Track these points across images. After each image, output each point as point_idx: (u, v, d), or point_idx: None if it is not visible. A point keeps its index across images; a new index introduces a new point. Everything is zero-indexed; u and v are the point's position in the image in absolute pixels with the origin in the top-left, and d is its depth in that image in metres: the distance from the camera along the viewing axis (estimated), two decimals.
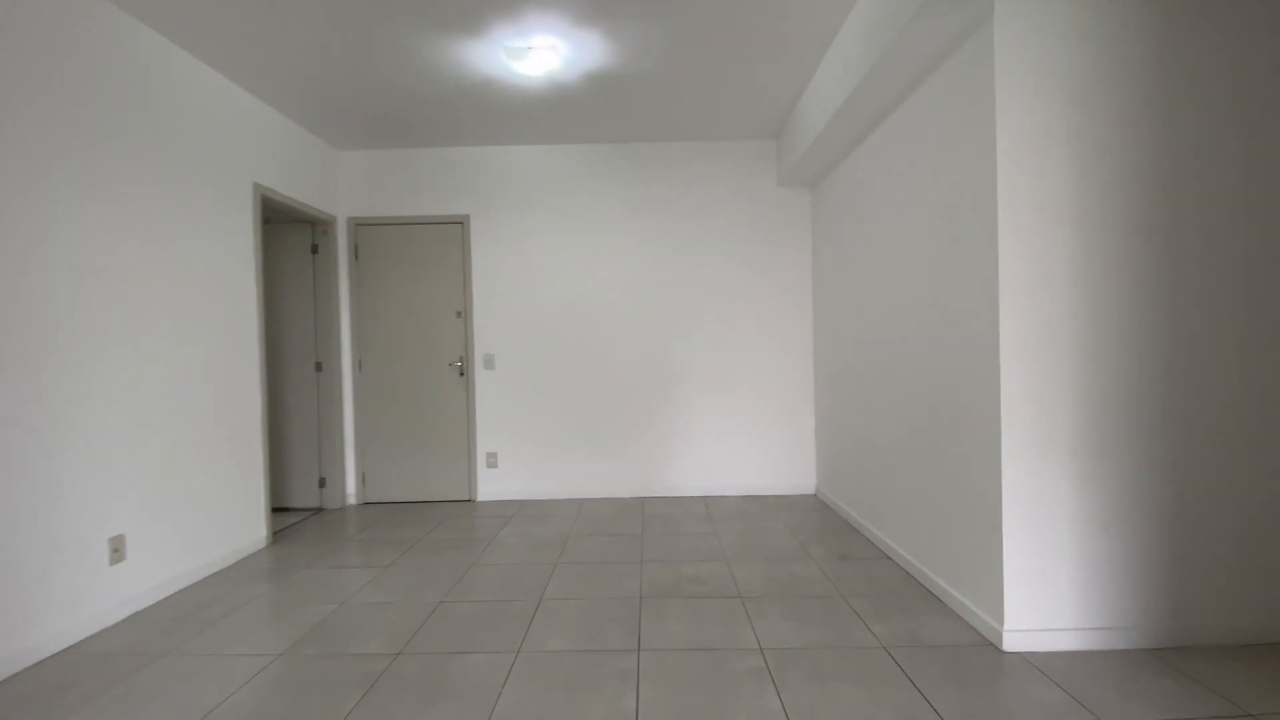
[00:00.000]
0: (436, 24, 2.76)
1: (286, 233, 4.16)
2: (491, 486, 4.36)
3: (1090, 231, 2.06)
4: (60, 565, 2.27)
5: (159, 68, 2.78)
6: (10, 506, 2.10)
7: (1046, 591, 2.08)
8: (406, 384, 4.35)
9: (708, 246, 4.34)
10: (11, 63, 2.13)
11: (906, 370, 2.83)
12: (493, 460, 4.35)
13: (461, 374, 4.35)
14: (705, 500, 4.24)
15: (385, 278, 4.35)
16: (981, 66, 2.15)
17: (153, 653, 2.21)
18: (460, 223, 4.35)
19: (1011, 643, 2.08)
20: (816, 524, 3.63)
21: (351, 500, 4.35)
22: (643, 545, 3.28)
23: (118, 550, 2.51)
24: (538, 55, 2.94)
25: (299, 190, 3.86)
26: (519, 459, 4.35)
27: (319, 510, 4.20)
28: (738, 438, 4.35)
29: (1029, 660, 2.02)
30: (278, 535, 3.64)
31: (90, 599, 2.39)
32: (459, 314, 4.35)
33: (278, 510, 4.18)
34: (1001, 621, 2.10)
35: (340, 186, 4.35)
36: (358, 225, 4.34)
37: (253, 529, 3.35)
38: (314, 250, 4.20)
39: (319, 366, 4.19)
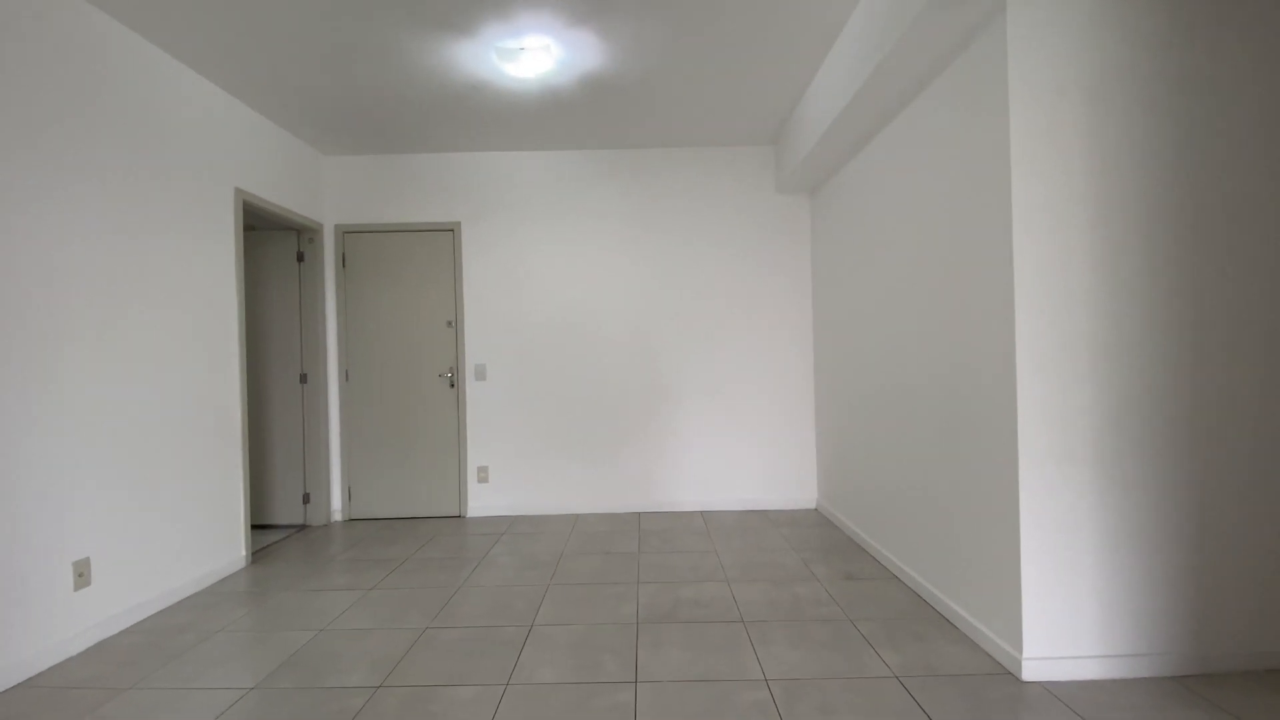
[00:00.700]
0: (425, 23, 2.66)
1: (271, 240, 4.04)
2: (482, 502, 4.22)
3: (1110, 236, 1.96)
4: (18, 591, 2.12)
5: (132, 66, 2.66)
6: None
7: (1067, 617, 1.97)
8: (395, 396, 4.21)
9: (705, 255, 4.24)
10: None
11: (913, 381, 2.72)
12: (484, 475, 4.21)
13: (452, 385, 4.22)
14: (703, 515, 4.11)
15: (373, 286, 4.22)
16: (993, 64, 2.06)
17: (116, 686, 2.06)
18: (451, 230, 4.23)
19: (1031, 672, 1.96)
20: (819, 540, 3.51)
21: (337, 516, 4.20)
22: (639, 564, 3.15)
23: (82, 575, 2.36)
24: (530, 56, 2.85)
25: (284, 196, 3.74)
26: (511, 473, 4.21)
27: (303, 527, 4.05)
28: (736, 450, 4.23)
29: (1050, 691, 1.90)
30: (258, 554, 3.49)
31: (51, 627, 2.24)
32: (449, 324, 4.23)
33: (259, 528, 4.03)
34: (1020, 649, 1.98)
35: (327, 193, 4.23)
36: (345, 233, 4.22)
37: (230, 549, 3.20)
38: (300, 258, 4.07)
39: (304, 378, 4.05)
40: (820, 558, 3.21)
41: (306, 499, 4.07)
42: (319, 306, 4.08)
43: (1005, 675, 2.00)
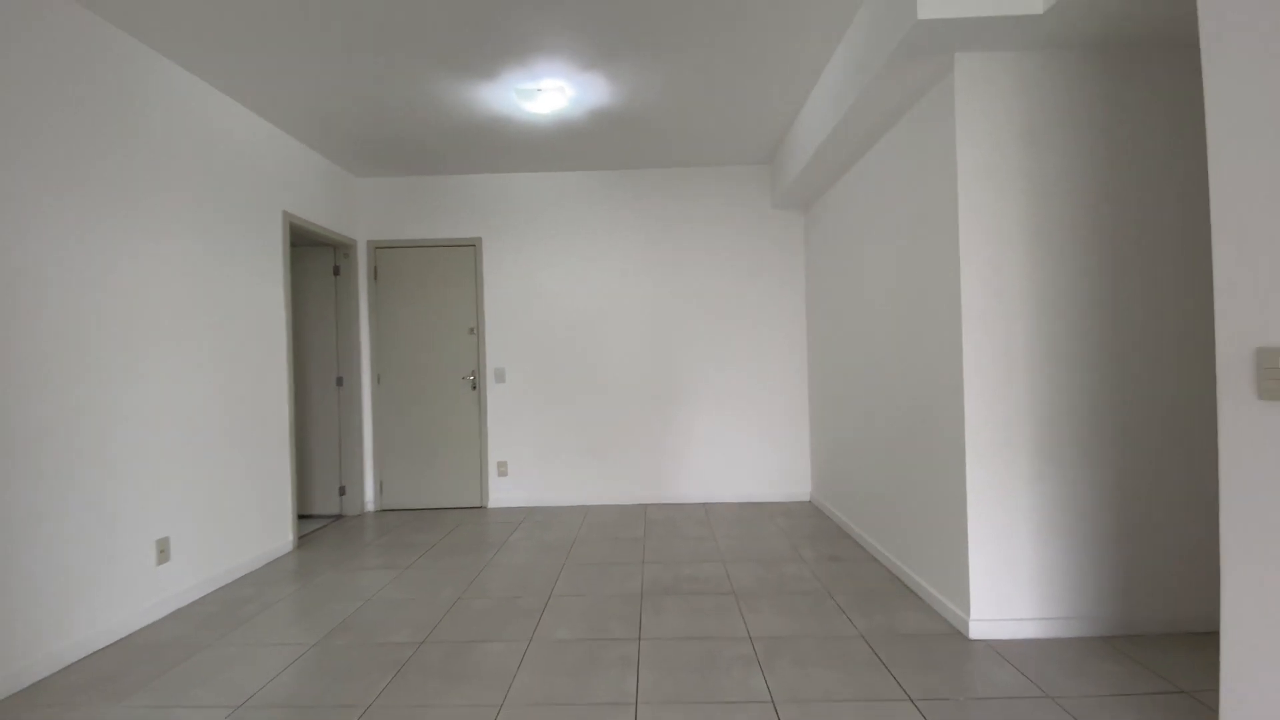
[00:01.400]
0: (455, 70, 3.03)
1: (310, 256, 4.44)
2: (502, 494, 4.59)
3: (1042, 259, 2.29)
4: (112, 564, 2.51)
5: (199, 108, 3.06)
6: (68, 509, 2.35)
7: (1008, 585, 2.30)
8: (422, 397, 4.60)
9: (706, 266, 4.59)
10: (80, 119, 2.41)
11: (887, 385, 3.05)
12: (503, 469, 4.58)
13: (474, 387, 4.60)
14: (705, 507, 4.46)
15: (402, 297, 4.61)
16: (944, 111, 2.40)
17: (198, 644, 2.45)
18: (473, 245, 4.62)
19: (977, 631, 2.29)
20: (809, 529, 3.85)
21: (370, 507, 4.59)
22: (645, 548, 3.50)
23: (163, 551, 2.75)
24: (546, 96, 3.21)
25: (322, 216, 4.13)
26: (528, 468, 4.59)
27: (339, 517, 4.44)
28: (736, 447, 4.57)
29: (992, 647, 2.23)
30: (302, 540, 3.88)
31: (139, 596, 2.62)
32: (471, 330, 4.61)
33: (301, 517, 4.42)
34: (968, 613, 2.31)
35: (360, 211, 4.62)
36: (376, 248, 4.61)
37: (280, 534, 3.59)
38: (336, 272, 4.47)
39: (340, 381, 4.44)
40: (809, 543, 3.54)
41: (342, 491, 4.46)
42: (353, 315, 4.47)
43: (955, 635, 2.33)
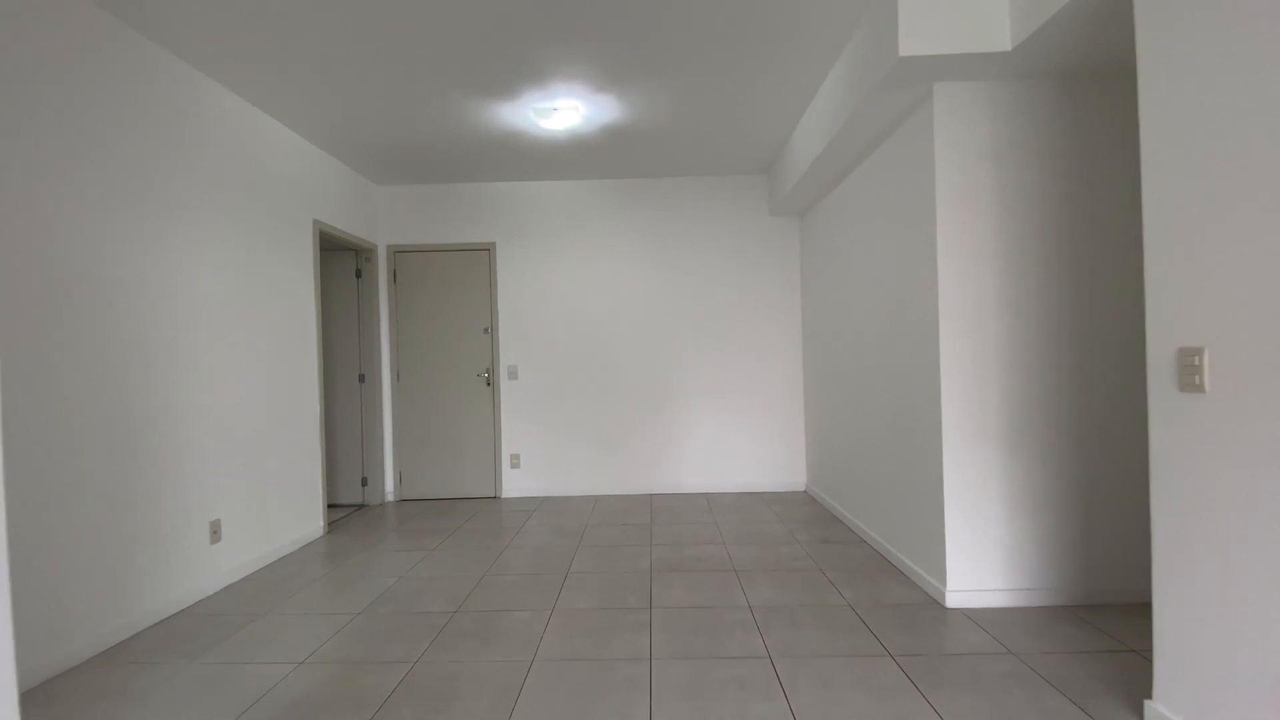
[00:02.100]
0: (477, 91, 3.30)
1: (335, 260, 4.70)
2: (514, 485, 4.86)
3: (1012, 267, 2.57)
4: (174, 543, 2.78)
5: (246, 127, 3.32)
6: (137, 493, 2.62)
7: (981, 560, 2.57)
8: (439, 393, 4.87)
9: (707, 268, 4.86)
10: (140, 138, 2.68)
11: (875, 382, 3.33)
12: (516, 461, 4.85)
13: (488, 384, 4.87)
14: (706, 496, 4.73)
15: (420, 298, 4.88)
16: (924, 133, 2.67)
17: (255, 613, 2.72)
18: (487, 249, 4.88)
19: (953, 601, 2.57)
20: (805, 515, 4.12)
21: (390, 497, 4.87)
22: (652, 532, 3.78)
23: (216, 532, 3.02)
24: (562, 115, 3.48)
25: (346, 222, 4.40)
26: (539, 459, 4.86)
27: (362, 506, 4.71)
28: (735, 440, 4.85)
29: (966, 614, 2.51)
30: (330, 527, 4.15)
31: (195, 572, 2.90)
32: (486, 330, 4.87)
33: (327, 506, 4.68)
34: (945, 584, 2.59)
35: (380, 218, 4.89)
36: (396, 252, 4.87)
37: (313, 520, 3.86)
38: (358, 275, 4.73)
39: (362, 378, 4.71)
40: (803, 528, 3.82)
41: (364, 482, 4.73)
42: (374, 316, 4.74)
43: (933, 604, 2.61)
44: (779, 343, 4.87)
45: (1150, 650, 2.17)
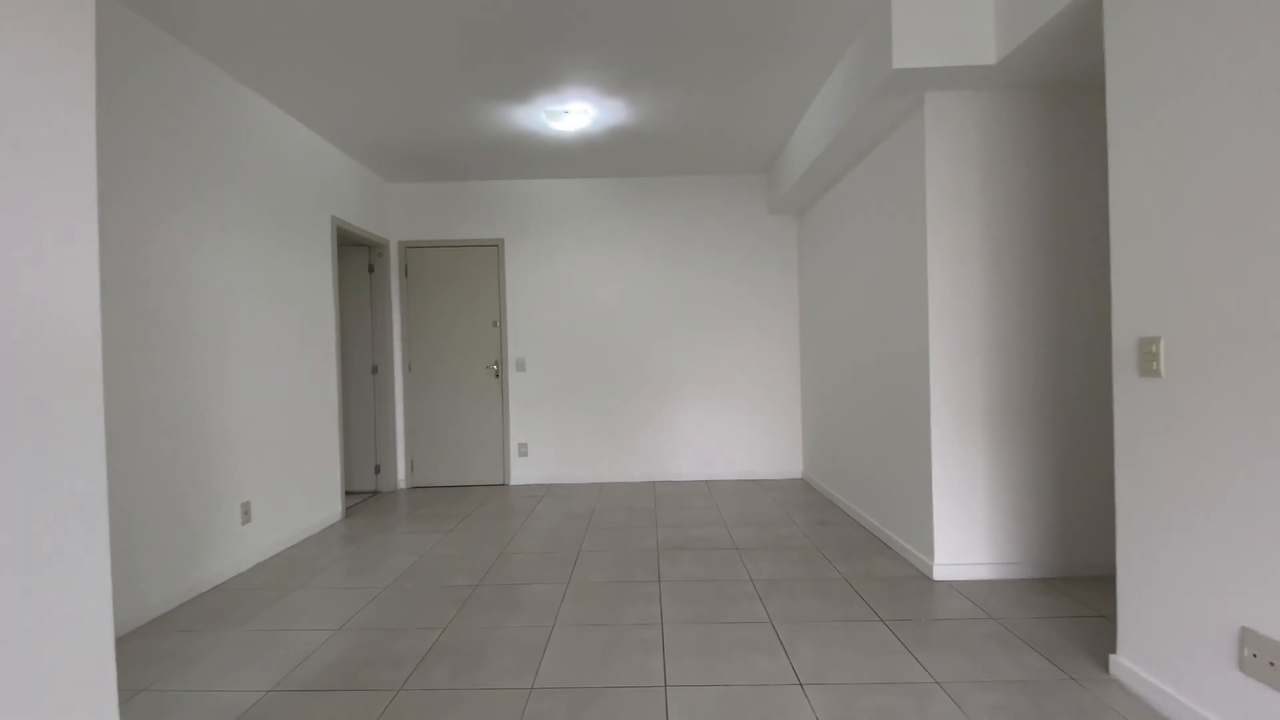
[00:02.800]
0: (490, 95, 3.46)
1: (348, 255, 4.86)
2: (522, 472, 5.05)
3: (995, 265, 2.76)
4: (211, 522, 2.95)
5: (270, 128, 3.48)
6: (176, 474, 2.79)
7: (966, 536, 2.78)
8: (449, 384, 5.04)
9: (709, 264, 5.04)
10: (182, 146, 2.83)
11: (867, 371, 3.53)
12: (523, 450, 5.03)
13: (496, 375, 5.04)
14: (707, 483, 4.93)
15: (431, 292, 5.04)
16: (916, 139, 2.86)
17: (288, 587, 2.90)
18: (496, 245, 5.05)
19: (940, 574, 2.77)
20: (801, 500, 4.32)
21: (402, 485, 5.04)
22: (656, 516, 3.97)
23: (247, 513, 3.19)
24: (572, 117, 3.65)
25: (360, 218, 4.55)
26: (546, 448, 5.04)
27: (375, 493, 4.89)
28: (735, 430, 5.04)
29: (952, 585, 2.71)
30: (347, 511, 4.33)
31: (229, 550, 3.07)
32: (494, 323, 5.04)
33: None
34: (933, 559, 2.79)
35: (391, 214, 5.04)
36: (407, 247, 5.03)
37: (332, 504, 4.04)
38: (370, 269, 4.89)
39: (375, 369, 4.88)
40: (800, 512, 4.02)
41: (378, 469, 4.90)
42: (386, 310, 4.90)
43: (921, 577, 2.81)
44: (777, 336, 5.06)
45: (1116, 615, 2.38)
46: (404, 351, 5.04)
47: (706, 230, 5.05)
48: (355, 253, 4.88)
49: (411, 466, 5.05)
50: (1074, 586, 2.66)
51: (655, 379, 5.05)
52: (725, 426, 5.05)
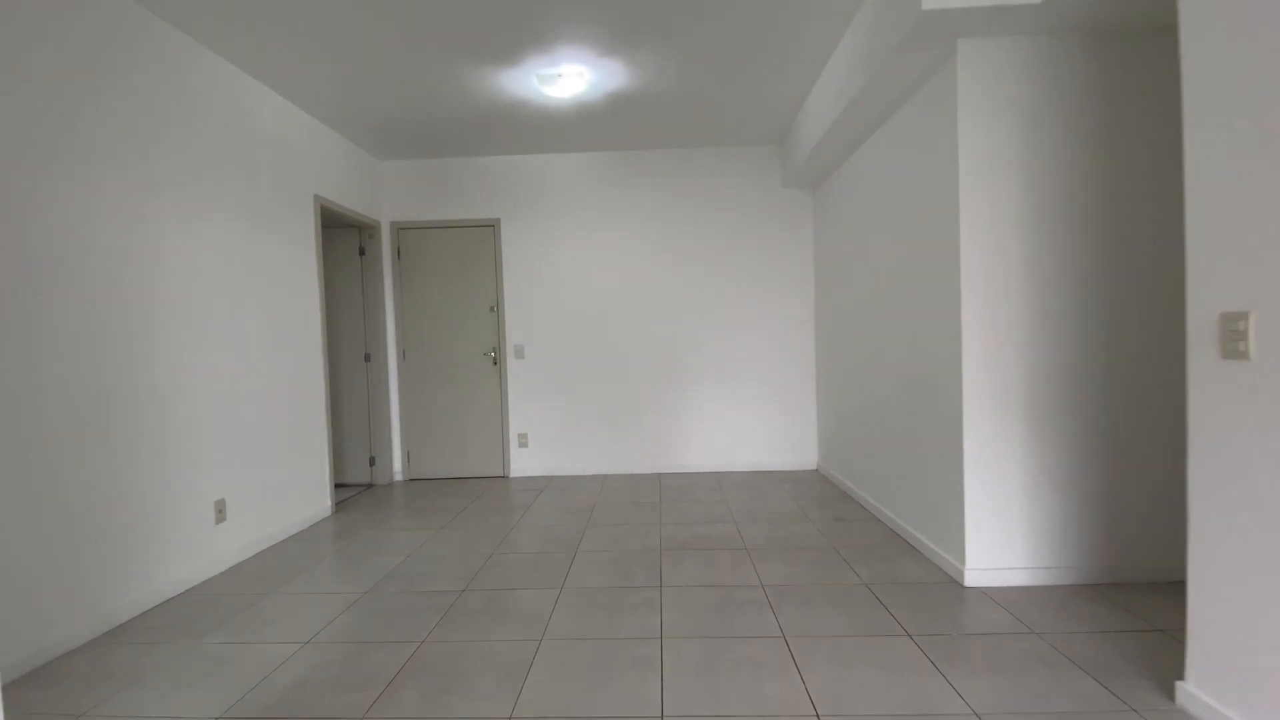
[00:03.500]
0: (479, 57, 3.18)
1: (337, 237, 4.63)
2: (522, 464, 4.82)
3: (1037, 238, 2.45)
4: (177, 523, 2.75)
5: (237, 96, 3.23)
6: (140, 471, 2.58)
7: (1001, 537, 2.50)
8: (445, 372, 4.81)
9: (717, 243, 4.75)
10: (127, 107, 2.59)
11: (890, 356, 3.23)
12: (523, 440, 4.81)
13: (494, 363, 4.81)
14: (716, 475, 4.67)
15: (425, 276, 4.80)
16: (947, 95, 2.54)
17: (261, 592, 2.69)
18: (491, 225, 4.78)
19: (972, 579, 2.50)
20: (816, 493, 4.06)
21: (398, 477, 4.84)
22: (661, 511, 3.73)
23: (221, 512, 2.99)
24: (566, 81, 3.36)
25: (348, 198, 4.31)
26: (547, 439, 4.81)
27: (370, 486, 4.69)
28: (746, 418, 4.77)
29: (985, 593, 2.44)
30: (339, 506, 4.13)
31: (201, 551, 2.87)
32: (491, 308, 4.80)
33: (335, 485, 4.67)
34: (963, 562, 2.52)
35: (382, 193, 4.79)
36: (399, 229, 4.79)
37: (319, 499, 3.84)
38: (361, 252, 4.65)
39: (368, 357, 4.66)
40: (815, 506, 3.76)
41: (372, 462, 4.70)
42: (378, 294, 4.67)
43: (951, 583, 2.54)
44: (791, 319, 4.76)
45: (1181, 630, 2.10)
46: (398, 338, 4.81)
47: (714, 206, 4.74)
48: (345, 234, 4.64)
49: (408, 458, 4.84)
50: (1123, 594, 2.38)
51: (661, 366, 4.78)
52: (736, 415, 4.78)
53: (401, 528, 3.57)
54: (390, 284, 4.79)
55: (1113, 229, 2.43)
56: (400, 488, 4.62)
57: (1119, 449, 2.47)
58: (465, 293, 4.80)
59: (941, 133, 2.60)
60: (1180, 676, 1.80)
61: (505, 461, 4.82)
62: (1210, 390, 1.56)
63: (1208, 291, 1.56)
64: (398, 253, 4.79)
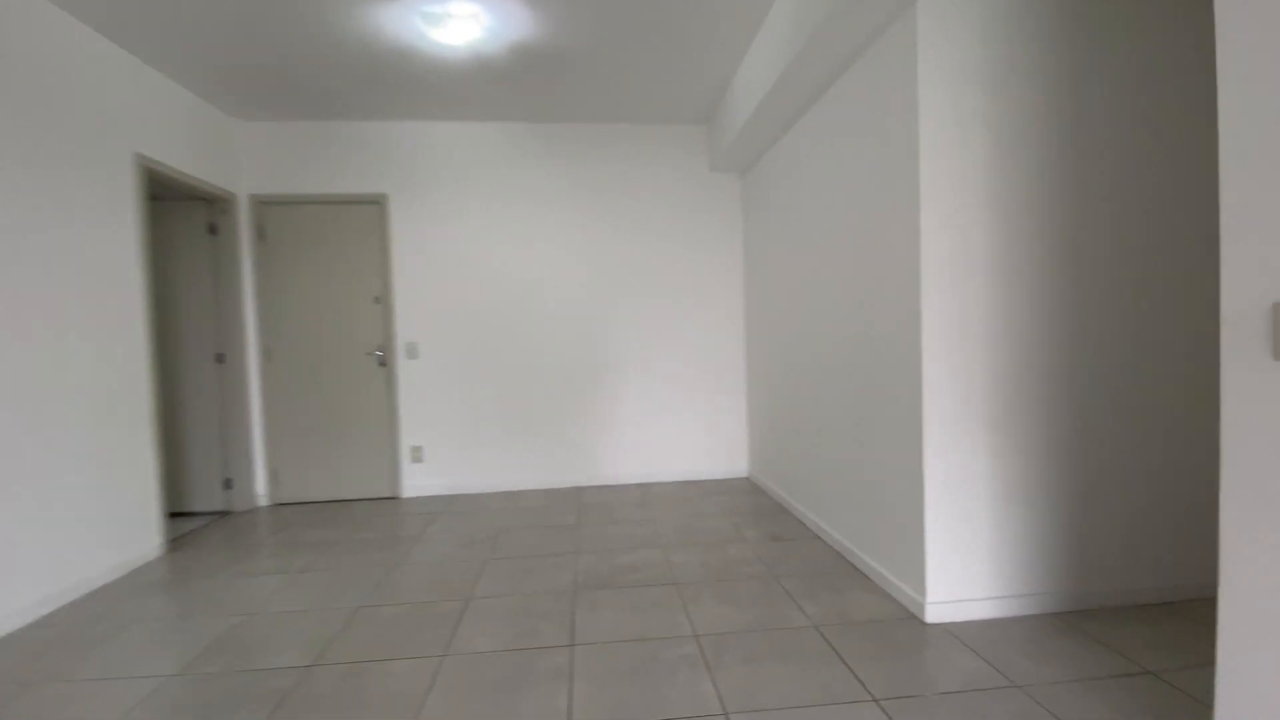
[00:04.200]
0: None
1: (179, 211, 3.78)
2: (418, 482, 4.16)
3: (1006, 222, 2.13)
4: None
5: (29, 22, 2.41)
6: None
7: (965, 564, 2.17)
8: (321, 375, 4.07)
9: (641, 231, 4.28)
10: None
11: (833, 353, 2.87)
12: (418, 454, 4.14)
13: (382, 364, 4.11)
14: (642, 487, 4.21)
15: (294, 261, 4.03)
16: (904, 51, 2.17)
17: (26, 680, 1.95)
18: (378, 202, 4.08)
19: (934, 614, 2.15)
20: (750, 506, 3.68)
21: (262, 501, 4.05)
22: (578, 536, 3.21)
23: None
24: (458, 24, 2.77)
25: (191, 164, 3.50)
26: (447, 452, 4.17)
27: (225, 513, 3.88)
28: (672, 424, 4.34)
29: (950, 631, 2.10)
30: (176, 543, 3.33)
31: None
32: (377, 300, 4.10)
33: (177, 515, 3.83)
34: (924, 594, 2.17)
35: (241, 161, 3.98)
36: (262, 204, 3.99)
37: (143, 537, 3.04)
38: (212, 230, 3.83)
39: (220, 358, 3.84)
40: (750, 522, 3.36)
41: (228, 484, 3.89)
42: (235, 282, 3.87)
43: (911, 619, 2.19)
44: (720, 314, 4.37)
45: (1168, 671, 1.82)
46: (261, 335, 4.02)
47: (637, 191, 4.27)
48: (189, 209, 3.80)
49: (274, 478, 4.06)
50: (1096, 624, 2.10)
51: (580, 366, 4.26)
52: (663, 420, 4.33)
53: (249, 571, 2.86)
54: (250, 269, 3.99)
55: (1091, 207, 2.15)
56: (264, 515, 3.84)
57: (1091, 459, 2.20)
58: (345, 281, 4.07)
59: (898, 95, 2.24)
60: None
61: (396, 480, 4.14)
62: (1257, 398, 1.24)
63: (1250, 276, 1.24)
64: (259, 232, 3.99)
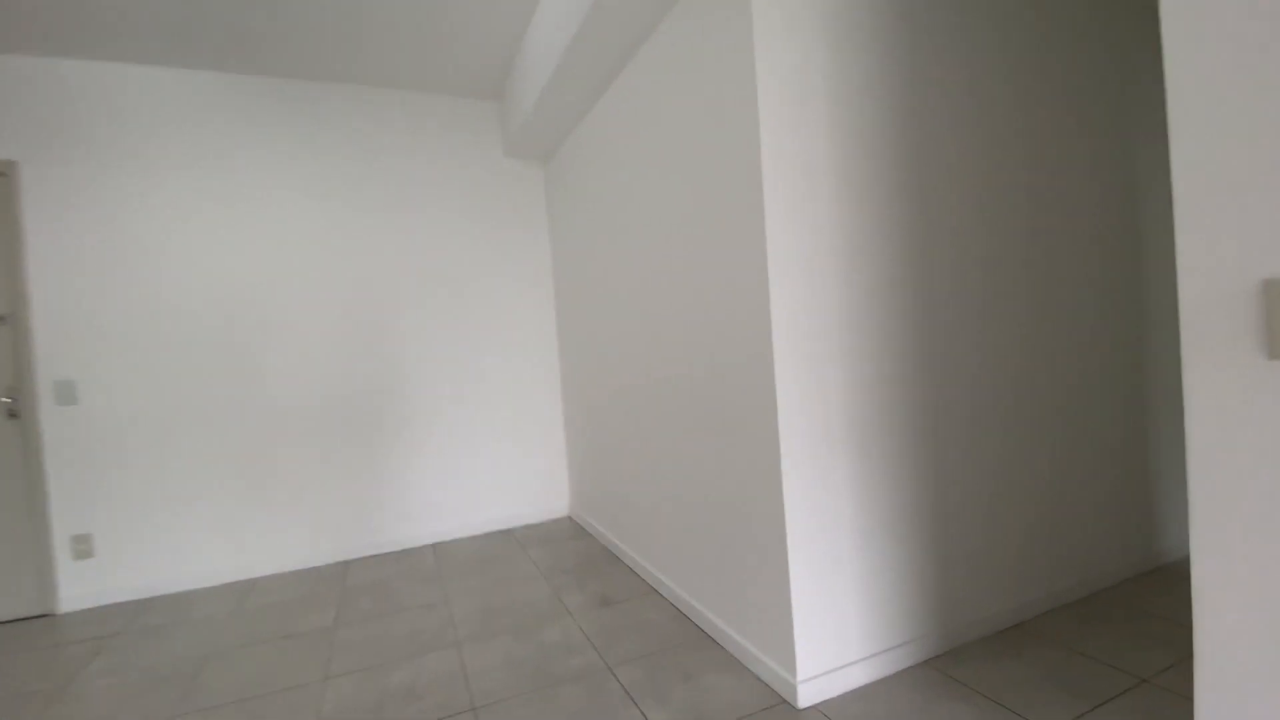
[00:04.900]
0: None
1: None
2: (87, 587, 2.82)
3: (856, 189, 1.79)
4: None
5: None
6: None
7: (834, 625, 1.77)
8: None
9: (424, 227, 3.44)
10: None
11: (665, 372, 2.37)
12: (84, 547, 2.81)
13: (12, 415, 2.72)
14: (435, 549, 3.34)
15: None
16: (732, 8, 1.74)
17: None
18: (1, 174, 2.71)
19: (807, 696, 1.71)
20: (572, 557, 3.04)
21: None
22: (333, 646, 2.29)
23: None
24: None
25: None
26: (133, 538, 2.89)
27: None
28: (474, 462, 3.54)
29: (825, 714, 1.67)
30: None
31: None
32: (3, 319, 2.72)
33: None
34: (794, 673, 1.72)
35: None
36: None
37: None
38: None
39: None
40: (573, 581, 2.73)
41: None
42: None
43: (782, 706, 1.72)
44: (527, 327, 3.70)
45: (1035, 705, 1.57)
46: None
47: (420, 173, 3.43)
48: None
49: None
50: (965, 667, 1.84)
51: (345, 400, 3.27)
52: (460, 459, 3.51)
53: None
54: None
55: (948, 204, 1.90)
56: None
57: (952, 482, 1.95)
58: None
59: (727, 51, 1.80)
60: None
61: (47, 589, 2.76)
62: (1238, 400, 0.92)
63: (1224, 255, 0.92)
64: None
